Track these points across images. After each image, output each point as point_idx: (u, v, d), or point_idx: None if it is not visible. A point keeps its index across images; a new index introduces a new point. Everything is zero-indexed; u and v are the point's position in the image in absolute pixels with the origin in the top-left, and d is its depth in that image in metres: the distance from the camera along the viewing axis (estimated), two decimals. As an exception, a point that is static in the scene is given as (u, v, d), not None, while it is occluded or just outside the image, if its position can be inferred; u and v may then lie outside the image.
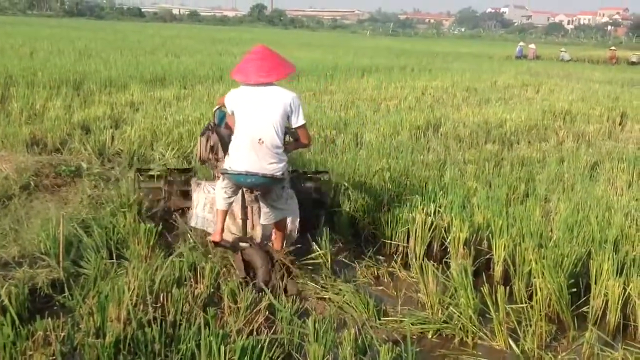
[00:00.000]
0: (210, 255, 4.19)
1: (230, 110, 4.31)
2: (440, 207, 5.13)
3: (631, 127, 11.03)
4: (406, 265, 4.62)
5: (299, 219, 4.59)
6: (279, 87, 4.25)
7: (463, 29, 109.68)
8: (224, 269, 4.13)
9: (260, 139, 4.09)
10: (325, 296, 3.95)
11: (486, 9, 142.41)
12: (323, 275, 4.26)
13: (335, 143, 7.91)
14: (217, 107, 4.74)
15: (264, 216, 4.46)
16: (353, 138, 8.34)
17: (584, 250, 4.30)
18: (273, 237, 4.58)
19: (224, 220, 4.42)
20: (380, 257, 4.77)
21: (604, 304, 3.88)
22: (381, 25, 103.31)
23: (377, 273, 4.49)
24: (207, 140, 4.67)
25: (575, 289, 3.99)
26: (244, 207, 4.51)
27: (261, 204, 4.43)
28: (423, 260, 4.39)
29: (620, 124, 11.43)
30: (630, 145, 9.16)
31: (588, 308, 3.90)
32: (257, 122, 4.13)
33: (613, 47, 40.16)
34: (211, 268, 3.86)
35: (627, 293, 3.84)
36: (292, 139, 4.44)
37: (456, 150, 8.10)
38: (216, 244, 4.35)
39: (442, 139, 8.86)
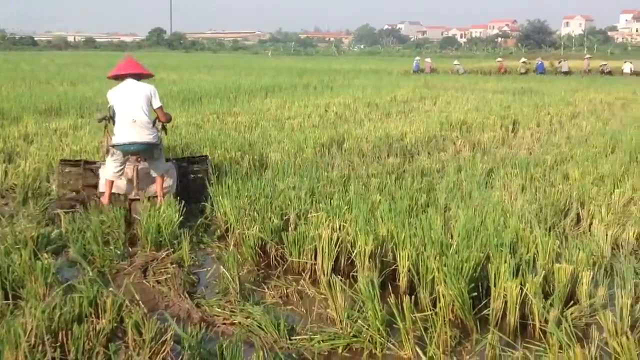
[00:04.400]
0: (111, 289, 4.07)
1: (112, 103, 6.15)
2: (345, 222, 5.22)
3: (523, 134, 11.58)
4: (315, 282, 4.66)
5: (176, 178, 6.58)
6: (142, 82, 6.29)
7: (362, 46, 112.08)
8: (127, 302, 4.02)
9: (134, 119, 6.00)
10: (234, 321, 3.92)
11: (383, 25, 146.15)
12: (231, 299, 4.23)
13: (240, 164, 7.90)
14: (108, 105, 6.28)
15: (152, 172, 6.33)
16: (258, 158, 8.36)
17: (483, 255, 4.47)
18: (156, 188, 6.35)
19: (112, 187, 6.26)
20: (289, 277, 4.80)
21: (503, 305, 4.04)
22: (282, 45, 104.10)
23: (287, 292, 4.51)
24: (105, 127, 6.49)
25: (476, 293, 4.15)
26: (135, 171, 6.29)
27: (148, 164, 6.31)
28: (331, 276, 4.43)
29: (512, 131, 11.99)
30: (522, 151, 9.63)
31: (489, 311, 4.05)
32: (130, 107, 6.04)
33: (500, 59, 42.25)
34: (113, 301, 3.75)
35: (524, 293, 4.02)
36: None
37: (360, 165, 8.26)
38: (107, 205, 6.10)
39: (346, 154, 9.01)
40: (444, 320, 3.78)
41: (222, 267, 4.64)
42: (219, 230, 5.85)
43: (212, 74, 28.44)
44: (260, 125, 11.64)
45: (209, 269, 4.86)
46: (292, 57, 66.85)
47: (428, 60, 40.40)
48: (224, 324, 3.91)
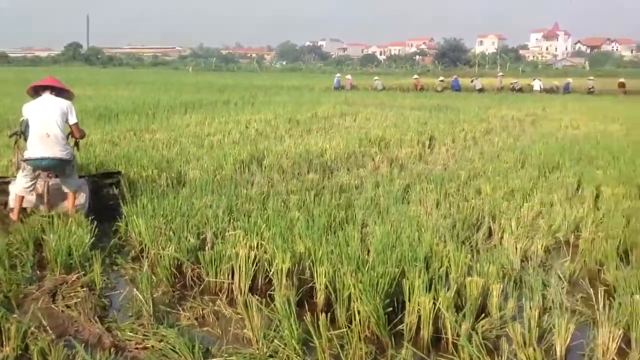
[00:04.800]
0: (15, 315, 3.90)
1: (26, 118, 6.12)
2: (263, 239, 5.20)
3: (439, 150, 11.89)
4: (232, 302, 4.60)
5: (88, 195, 6.54)
6: (58, 98, 6.28)
7: (284, 62, 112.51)
8: (32, 328, 3.85)
9: (47, 133, 5.98)
10: (147, 345, 3.82)
11: (305, 42, 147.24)
12: (144, 322, 4.12)
13: (157, 183, 7.75)
14: (22, 118, 6.22)
15: (64, 188, 6.29)
16: (176, 176, 8.23)
17: (398, 270, 4.54)
18: (67, 204, 6.31)
19: (22, 203, 6.24)
20: (206, 297, 4.71)
21: (417, 320, 4.10)
22: (204, 60, 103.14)
23: (203, 313, 4.43)
24: (15, 142, 6.48)
25: (391, 308, 4.21)
26: (45, 187, 6.27)
27: (60, 180, 6.30)
28: (247, 295, 4.39)
29: (429, 147, 12.28)
30: (438, 167, 9.87)
31: (404, 325, 4.11)
32: (45, 121, 6.02)
33: (416, 76, 43.36)
34: (17, 328, 3.59)
35: (437, 307, 4.10)
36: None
37: (280, 181, 8.26)
38: (16, 221, 6.10)
39: (266, 171, 8.99)
40: (360, 337, 3.80)
41: (135, 289, 4.52)
42: (133, 251, 5.71)
43: (130, 90, 27.87)
44: (179, 142, 11.48)
45: (122, 291, 4.72)
46: (214, 73, 66.34)
47: (349, 77, 41.03)
48: (137, 348, 3.80)
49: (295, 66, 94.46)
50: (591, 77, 40.50)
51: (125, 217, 6.17)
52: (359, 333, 3.85)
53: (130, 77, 46.93)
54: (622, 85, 38.02)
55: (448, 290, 4.27)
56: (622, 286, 4.64)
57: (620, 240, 5.76)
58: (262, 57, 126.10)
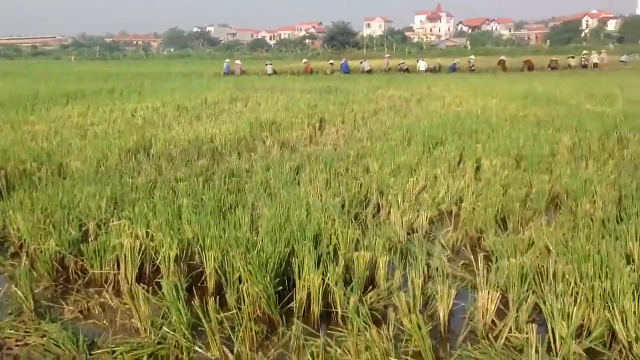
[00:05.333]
0: None
1: None
2: (150, 228, 5.08)
3: (329, 131, 12.01)
4: (118, 293, 4.47)
5: None
6: None
7: (172, 49, 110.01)
8: None
9: None
10: (28, 341, 3.66)
11: (192, 28, 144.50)
12: (25, 319, 3.94)
13: (36, 176, 7.39)
14: None
15: None
16: (57, 168, 7.88)
17: (287, 250, 4.58)
18: None
19: None
20: (91, 289, 4.56)
21: (307, 296, 4.15)
22: (87, 49, 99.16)
23: (88, 306, 4.28)
24: None
25: (282, 287, 4.24)
26: None
27: None
28: (134, 285, 4.28)
29: (319, 129, 12.39)
30: (328, 147, 9.98)
31: (294, 303, 4.14)
32: None
33: (305, 60, 43.73)
34: None
35: (326, 283, 4.16)
36: None
37: (168, 169, 8.08)
38: None
39: (154, 159, 8.77)
40: (250, 318, 3.80)
41: (14, 286, 4.30)
42: (12, 247, 5.42)
43: (6, 82, 26.38)
44: (60, 134, 10.98)
45: (1, 289, 4.48)
46: (97, 62, 63.91)
47: (238, 62, 40.76)
48: (17, 345, 3.63)
49: (184, 53, 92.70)
50: (472, 56, 42.19)
51: (1, 213, 5.86)
52: (249, 314, 3.84)
53: (7, 68, 44.44)
54: (502, 62, 39.89)
55: (337, 265, 4.34)
56: (500, 251, 4.87)
57: (498, 208, 6.05)
58: (148, 45, 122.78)
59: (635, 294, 3.62)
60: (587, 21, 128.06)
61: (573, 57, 41.90)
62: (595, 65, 39.87)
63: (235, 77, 34.11)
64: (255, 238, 4.83)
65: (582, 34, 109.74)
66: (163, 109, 15.44)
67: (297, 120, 13.09)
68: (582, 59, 40.92)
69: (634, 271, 4.11)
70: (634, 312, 3.48)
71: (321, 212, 5.62)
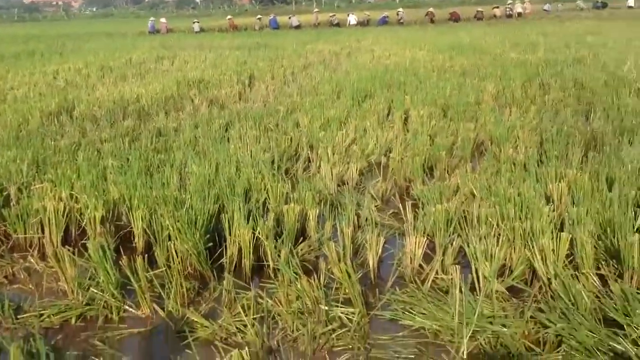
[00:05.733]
0: None
1: None
2: (74, 190, 4.95)
3: (259, 87, 11.89)
4: (43, 257, 4.37)
5: None
6: None
7: (94, 9, 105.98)
8: None
9: None
10: (-52, 311, 3.54)
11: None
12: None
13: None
14: None
15: None
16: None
17: (217, 206, 4.55)
18: None
19: None
20: (15, 254, 4.44)
21: (238, 251, 4.15)
22: (5, 11, 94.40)
23: (12, 271, 4.17)
24: None
25: (213, 244, 4.22)
26: None
27: None
28: (60, 248, 4.18)
29: (249, 86, 12.27)
30: (258, 104, 9.90)
31: (225, 258, 4.15)
32: None
33: (229, 16, 42.83)
34: None
35: (256, 237, 4.17)
36: None
37: (93, 131, 7.86)
38: None
39: (78, 121, 8.51)
40: (180, 274, 3.79)
41: None
42: None
43: None
44: (-24, 99, 10.51)
45: None
46: (16, 25, 61.00)
47: (163, 20, 39.66)
48: None
49: (107, 12, 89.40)
50: (401, 9, 42.26)
51: None
52: (179, 271, 3.82)
53: None
54: (430, 14, 40.15)
55: (267, 220, 4.35)
56: (427, 198, 4.98)
57: (425, 157, 6.15)
58: (69, 5, 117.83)
59: (553, 232, 3.77)
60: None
61: (498, 7, 42.48)
62: (519, 14, 40.58)
63: (161, 36, 33.21)
64: (184, 196, 4.77)
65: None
66: (86, 70, 14.95)
67: (226, 77, 12.91)
68: (507, 9, 41.61)
69: (553, 211, 4.29)
70: (553, 250, 3.63)
71: (251, 168, 5.60)
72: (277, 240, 4.23)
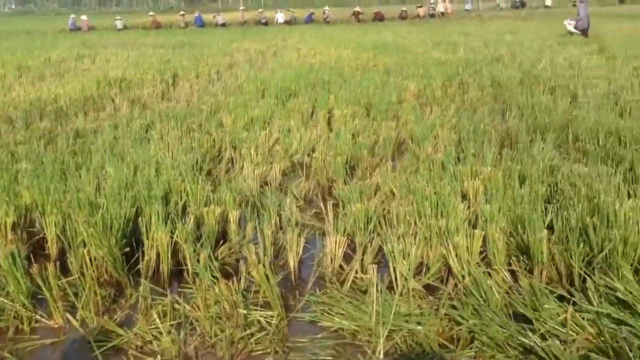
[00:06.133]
0: None
1: None
2: (-17, 196, 4.76)
3: (182, 86, 11.73)
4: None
5: None
6: None
7: (13, 7, 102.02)
8: None
9: None
10: None
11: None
12: None
13: None
14: None
15: None
16: None
17: (134, 210, 4.46)
18: None
19: None
20: None
21: (157, 256, 4.08)
22: None
23: None
24: None
25: (130, 249, 4.13)
26: None
27: None
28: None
29: (173, 85, 12.08)
30: (181, 103, 9.76)
31: (142, 264, 4.06)
32: None
33: (152, 13, 42.16)
34: None
35: (175, 241, 4.10)
36: None
37: (7, 133, 7.57)
38: None
39: (-10, 124, 8.18)
40: (95, 281, 3.69)
41: None
42: None
43: None
44: None
45: None
46: None
47: (84, 17, 38.58)
48: None
49: (27, 9, 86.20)
50: (327, 8, 42.47)
51: None
52: (94, 278, 3.72)
53: None
54: (356, 14, 40.55)
55: (186, 223, 4.29)
56: (348, 198, 5.01)
57: (347, 157, 6.19)
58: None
59: (467, 230, 3.87)
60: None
61: (421, 7, 43.34)
62: (442, 14, 41.52)
63: (82, 34, 32.33)
64: (100, 200, 4.65)
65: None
66: (2, 70, 14.36)
67: (149, 76, 12.67)
68: (430, 8, 42.51)
69: (468, 208, 4.40)
70: (467, 248, 3.72)
71: (172, 170, 5.51)
72: (196, 244, 4.17)
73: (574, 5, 26.29)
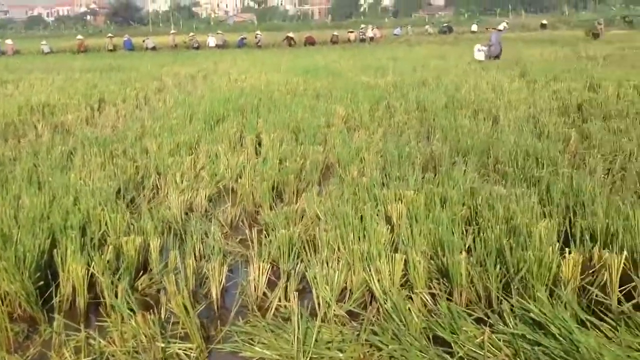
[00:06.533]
0: None
1: None
2: None
3: (108, 112, 11.50)
4: None
5: None
6: None
7: None
8: None
9: None
10: None
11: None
12: None
13: None
14: None
15: None
16: None
17: (50, 241, 4.30)
18: None
19: None
20: None
21: (73, 289, 3.93)
22: None
23: None
24: None
25: (44, 282, 3.97)
26: None
27: None
28: None
29: (98, 110, 11.84)
30: (107, 129, 9.56)
31: (56, 298, 3.91)
32: None
33: (80, 37, 41.42)
34: None
35: (91, 273, 3.97)
36: None
37: None
38: None
39: None
40: (7, 317, 3.53)
41: None
42: None
43: None
44: None
45: None
46: None
47: (9, 41, 37.56)
48: None
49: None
50: (258, 32, 42.69)
51: None
52: (6, 314, 3.55)
53: None
54: (288, 39, 40.86)
55: (103, 253, 4.17)
56: (273, 224, 4.99)
57: (274, 181, 6.18)
58: None
59: (389, 254, 3.89)
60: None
61: (352, 32, 44.06)
62: (371, 39, 42.27)
63: (7, 58, 31.38)
64: (13, 231, 4.46)
65: (361, 9, 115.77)
66: None
67: (74, 101, 12.40)
68: (360, 33, 43.23)
69: (391, 232, 4.44)
70: (388, 272, 3.74)
71: (91, 198, 5.36)
72: (115, 275, 4.05)
73: (487, 29, 27.36)
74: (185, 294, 3.47)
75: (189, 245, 4.47)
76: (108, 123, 10.19)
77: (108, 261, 4.11)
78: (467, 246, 4.12)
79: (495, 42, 20.97)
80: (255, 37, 40.48)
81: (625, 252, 3.60)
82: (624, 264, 3.54)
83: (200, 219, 5.42)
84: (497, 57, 20.52)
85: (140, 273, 4.25)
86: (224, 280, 4.05)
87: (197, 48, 38.06)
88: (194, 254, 4.49)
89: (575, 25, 48.11)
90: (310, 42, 40.64)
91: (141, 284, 4.10)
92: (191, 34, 41.82)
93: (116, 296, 3.84)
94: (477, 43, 22.71)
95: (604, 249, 3.83)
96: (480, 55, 20.58)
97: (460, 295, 3.66)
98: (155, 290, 4.13)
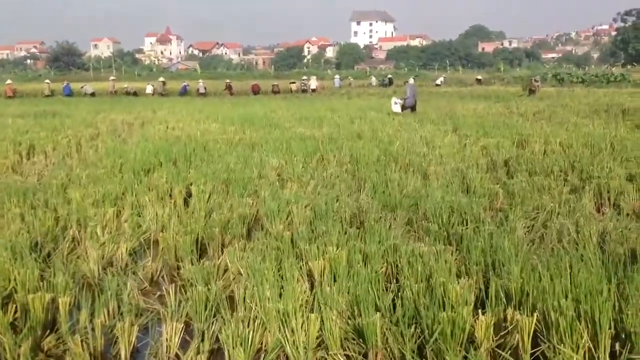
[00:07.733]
0: None
1: None
2: None
3: (37, 159, 11.20)
4: None
5: None
6: None
7: None
8: None
9: None
10: None
11: None
12: None
13: None
14: None
15: None
16: None
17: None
18: None
19: None
20: None
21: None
22: None
23: None
24: None
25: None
26: None
27: None
28: None
29: (27, 157, 11.52)
30: (32, 177, 9.28)
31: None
32: None
33: (9, 81, 40.18)
34: None
35: (-8, 333, 3.77)
36: None
37: None
38: None
39: None
40: None
41: None
42: None
43: None
44: None
45: None
46: None
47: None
48: None
49: None
50: (200, 81, 42.69)
51: None
52: None
53: None
54: (228, 87, 41.04)
55: (7, 312, 3.96)
56: (194, 280, 4.85)
57: (199, 235, 6.05)
58: None
59: (305, 314, 3.82)
60: (309, 48, 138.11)
61: (294, 82, 44.55)
62: (313, 90, 42.78)
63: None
64: None
65: (305, 60, 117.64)
66: None
67: (2, 148, 12.02)
68: (302, 84, 43.75)
69: (312, 289, 4.38)
70: (304, 332, 3.67)
71: (3, 252, 5.13)
72: (19, 335, 3.85)
73: (405, 83, 28.20)
74: (90, 356, 3.30)
75: (101, 304, 4.29)
76: (35, 171, 9.90)
77: (12, 320, 3.91)
78: (386, 305, 4.08)
79: (410, 95, 21.58)
80: (197, 86, 40.45)
81: (536, 314, 3.62)
82: (536, 325, 3.56)
83: (118, 274, 5.24)
84: (412, 108, 21.04)
85: (47, 332, 4.05)
86: (134, 340, 3.90)
87: (135, 94, 37.78)
88: (107, 312, 4.32)
89: (508, 81, 49.74)
90: (254, 90, 40.86)
91: (47, 344, 3.90)
92: (125, 84, 41.36)
93: (18, 358, 3.66)
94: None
95: (518, 308, 3.85)
96: (397, 108, 21.10)
97: (376, 356, 3.60)
98: (62, 351, 3.93)
